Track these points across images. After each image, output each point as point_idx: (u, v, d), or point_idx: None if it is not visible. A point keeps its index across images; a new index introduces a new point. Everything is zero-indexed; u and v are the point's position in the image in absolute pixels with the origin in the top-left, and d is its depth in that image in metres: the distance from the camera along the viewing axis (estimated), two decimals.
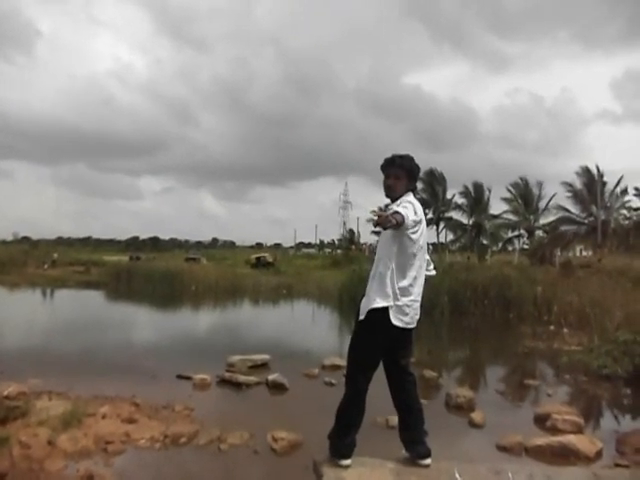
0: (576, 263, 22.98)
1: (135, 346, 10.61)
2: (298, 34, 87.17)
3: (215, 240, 61.37)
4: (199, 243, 56.79)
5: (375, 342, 2.87)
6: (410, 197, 2.89)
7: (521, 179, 32.39)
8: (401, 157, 3.00)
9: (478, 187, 34.87)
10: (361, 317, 2.87)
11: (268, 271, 28.42)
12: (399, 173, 2.96)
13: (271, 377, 7.20)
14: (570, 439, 4.89)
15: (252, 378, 7.32)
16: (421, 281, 2.95)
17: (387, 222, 2.54)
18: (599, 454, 4.74)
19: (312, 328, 14.68)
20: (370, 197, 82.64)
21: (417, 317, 2.95)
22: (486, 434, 5.39)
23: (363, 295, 2.97)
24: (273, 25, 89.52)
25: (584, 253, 30.85)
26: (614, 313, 12.56)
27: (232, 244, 58.50)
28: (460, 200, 35.84)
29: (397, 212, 2.61)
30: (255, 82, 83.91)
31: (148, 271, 25.41)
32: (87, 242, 65.77)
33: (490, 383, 8.22)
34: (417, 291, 2.91)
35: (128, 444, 4.77)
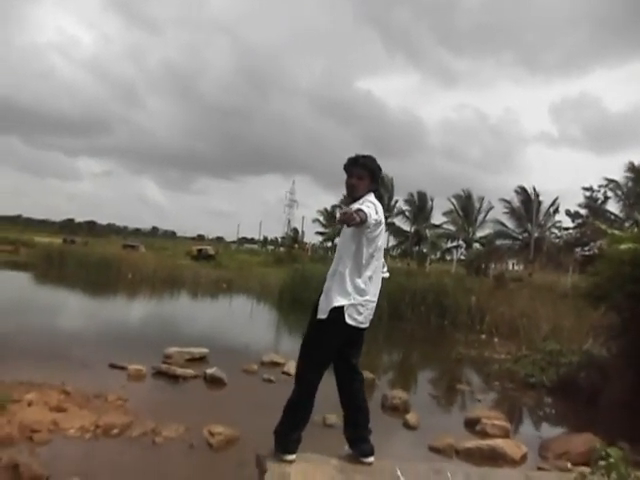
0: (509, 276, 23.99)
1: (65, 332, 10.14)
2: (253, 28, 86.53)
3: (155, 229, 59.77)
4: (138, 230, 55.05)
5: (332, 341, 2.89)
6: (372, 197, 2.93)
7: (463, 191, 33.55)
8: (364, 157, 3.03)
9: (422, 196, 35.81)
10: (322, 316, 2.85)
11: (209, 264, 27.91)
12: (362, 173, 2.99)
13: (209, 371, 7.08)
14: (498, 443, 5.11)
15: (190, 371, 7.17)
16: (377, 282, 2.99)
17: (351, 219, 2.56)
18: (524, 458, 4.99)
19: (252, 324, 14.56)
20: (316, 197, 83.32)
21: (371, 317, 2.98)
22: (420, 435, 5.54)
23: (320, 293, 2.96)
24: (228, 15, 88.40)
25: (516, 267, 32.22)
26: (541, 325, 13.26)
27: (173, 234, 57.14)
28: (404, 207, 36.68)
29: (360, 210, 2.64)
30: (206, 71, 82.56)
31: (82, 255, 24.38)
32: (16, 221, 62.33)
33: (424, 386, 8.46)
34: (373, 291, 2.95)
35: (56, 433, 4.57)
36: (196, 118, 74.37)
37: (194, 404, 6.03)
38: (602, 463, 2.36)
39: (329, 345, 2.90)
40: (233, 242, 50.66)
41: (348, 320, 2.82)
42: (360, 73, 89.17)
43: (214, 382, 6.93)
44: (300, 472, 2.54)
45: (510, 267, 28.90)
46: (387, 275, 3.30)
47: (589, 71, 76.09)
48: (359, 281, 2.85)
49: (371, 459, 2.91)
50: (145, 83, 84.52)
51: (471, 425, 5.95)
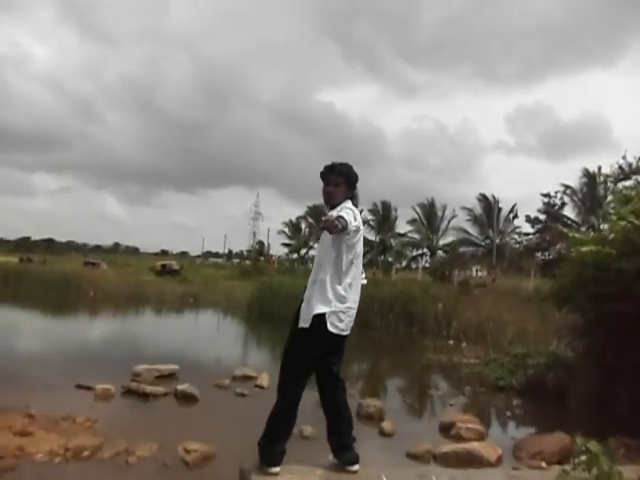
0: (473, 282, 24.45)
1: (26, 354, 9.78)
2: (214, 41, 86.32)
3: (117, 245, 58.27)
4: (99, 247, 53.60)
5: (314, 349, 2.87)
6: (349, 204, 2.94)
7: (427, 200, 34.15)
8: (340, 164, 3.04)
9: (386, 206, 36.23)
10: (305, 325, 2.83)
11: (174, 279, 27.43)
12: (338, 180, 2.99)
13: (180, 387, 6.93)
14: (474, 446, 5.16)
15: (160, 389, 7.00)
16: (357, 289, 2.99)
17: (333, 226, 2.56)
18: (500, 459, 5.05)
19: (221, 339, 14.34)
20: (280, 209, 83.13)
21: (351, 324, 2.98)
22: (396, 442, 5.55)
23: (301, 302, 2.95)
24: (188, 29, 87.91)
25: (479, 273, 32.87)
26: (507, 329, 13.53)
27: (135, 250, 55.82)
28: (369, 217, 37.02)
29: (341, 217, 2.65)
30: (166, 85, 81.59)
31: (41, 274, 23.61)
32: None
33: (397, 394, 8.50)
34: (353, 298, 2.95)
35: (23, 459, 4.37)
36: (157, 132, 73.46)
37: (166, 422, 5.88)
38: (582, 458, 2.41)
39: (311, 353, 2.88)
40: (198, 256, 50.02)
41: (330, 328, 2.81)
42: (321, 85, 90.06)
43: (186, 398, 6.78)
44: None
45: (474, 273, 29.48)
46: (365, 282, 3.31)
47: (542, 81, 79.17)
48: (339, 288, 2.85)
49: (356, 467, 2.89)
50: (103, 97, 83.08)
51: (446, 430, 6.00)
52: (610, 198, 6.99)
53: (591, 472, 2.36)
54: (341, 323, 2.86)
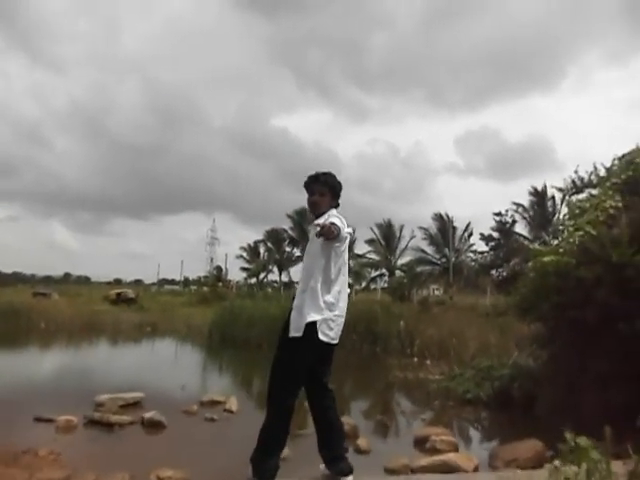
0: (432, 301, 24.83)
1: None
2: (164, 66, 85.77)
3: (67, 275, 56.04)
4: (48, 278, 51.42)
5: (306, 359, 2.83)
6: (335, 212, 2.95)
7: (384, 220, 34.64)
8: (324, 174, 3.05)
9: None
10: (297, 334, 2.78)
11: (130, 308, 26.59)
12: (323, 190, 3.00)
13: (147, 415, 6.69)
14: (450, 457, 5.19)
15: (125, 417, 6.74)
16: (345, 296, 2.99)
17: (330, 233, 2.57)
18: (476, 469, 5.09)
19: (183, 366, 13.93)
20: (237, 234, 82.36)
21: (340, 333, 2.96)
22: (373, 459, 5.51)
23: (290, 311, 2.91)
24: (139, 55, 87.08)
25: (436, 292, 33.43)
26: (469, 344, 13.78)
27: (87, 279, 53.83)
28: None
29: (333, 223, 2.66)
30: (117, 110, 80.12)
31: None
32: None
33: (368, 411, 8.48)
34: (342, 306, 2.94)
35: None
36: (108, 158, 71.78)
37: (135, 451, 5.66)
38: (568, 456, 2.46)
39: (303, 363, 2.84)
40: (153, 284, 48.78)
41: (321, 336, 2.78)
42: (275, 111, 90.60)
43: (153, 426, 6.54)
44: None
45: (431, 292, 29.94)
46: (348, 291, 3.31)
47: (488, 105, 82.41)
48: (329, 296, 2.84)
49: (350, 478, 2.86)
50: (51, 123, 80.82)
51: (420, 443, 6.02)
52: (565, 210, 7.30)
53: (581, 467, 2.42)
54: (331, 331, 2.85)
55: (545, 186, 26.31)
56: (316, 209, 3.00)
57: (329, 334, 2.83)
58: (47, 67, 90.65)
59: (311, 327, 2.76)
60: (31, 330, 20.29)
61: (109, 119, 78.91)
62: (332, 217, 2.82)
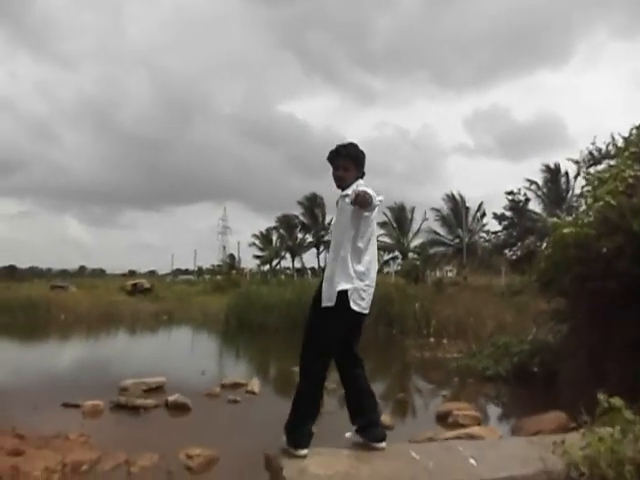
0: (446, 282, 24.78)
1: (4, 380, 9.39)
2: (171, 57, 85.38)
3: (83, 268, 56.50)
4: (64, 272, 51.84)
5: (339, 328, 2.84)
6: (362, 182, 2.93)
7: (395, 203, 34.48)
8: (345, 146, 3.02)
9: None
10: (329, 303, 2.77)
11: (146, 297, 26.86)
12: (346, 163, 2.97)
13: (171, 398, 6.79)
14: (475, 430, 5.21)
15: (150, 401, 6.85)
16: (375, 266, 2.98)
17: (365, 201, 2.55)
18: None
19: (202, 351, 14.06)
20: (248, 222, 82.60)
21: (370, 303, 2.96)
22: (397, 434, 5.51)
23: (321, 281, 2.91)
24: (145, 46, 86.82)
25: (450, 273, 33.34)
26: (486, 322, 13.77)
27: (102, 272, 54.24)
28: None
29: (366, 192, 2.64)
30: (125, 102, 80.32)
31: (6, 300, 22.75)
32: None
33: (389, 390, 8.50)
34: (372, 276, 2.93)
35: (19, 478, 4.19)
36: (118, 151, 72.06)
37: (162, 432, 5.76)
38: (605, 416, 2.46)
39: (336, 332, 2.85)
40: (167, 274, 49.15)
41: (352, 305, 2.78)
42: (281, 96, 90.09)
43: (178, 408, 6.64)
44: (318, 464, 2.46)
45: (445, 274, 29.88)
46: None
47: (497, 84, 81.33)
48: (359, 266, 2.83)
49: (384, 444, 2.87)
50: (60, 119, 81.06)
51: (443, 419, 6.05)
52: (582, 183, 7.22)
53: (615, 427, 2.42)
54: (362, 301, 2.85)
55: (558, 163, 26.03)
56: (342, 183, 2.97)
57: (360, 304, 2.84)
58: (54, 63, 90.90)
59: (343, 296, 2.76)
60: (51, 322, 20.58)
61: (117, 112, 79.14)
62: (361, 187, 2.80)
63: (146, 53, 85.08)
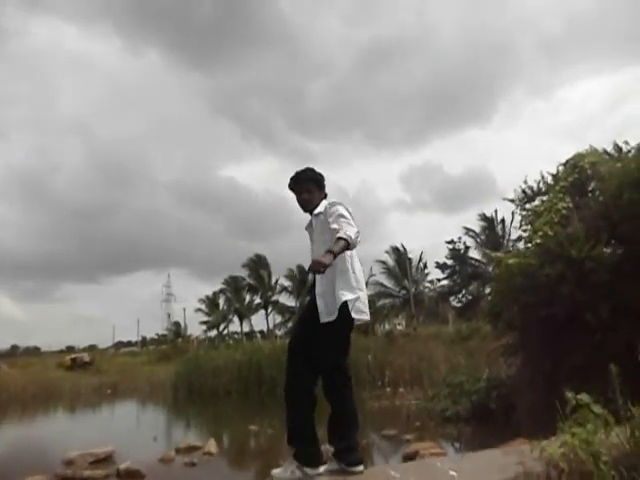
0: (397, 333, 24.92)
1: None
2: (106, 125, 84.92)
3: (15, 347, 52.91)
4: None
5: (343, 340, 2.83)
6: (332, 203, 2.93)
7: None
8: (304, 171, 3.10)
9: (302, 269, 36.39)
10: (330, 318, 2.72)
11: (86, 372, 25.40)
12: (309, 186, 3.05)
13: (123, 466, 6.33)
14: None
15: (99, 472, 6.35)
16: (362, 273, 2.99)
17: (321, 266, 2.50)
18: None
19: (151, 422, 13.27)
20: (193, 289, 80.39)
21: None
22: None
23: (311, 300, 2.86)
24: (78, 114, 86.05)
25: (399, 325, 33.59)
26: (440, 367, 13.87)
27: (37, 350, 51.02)
28: (286, 283, 36.96)
29: (340, 238, 2.62)
30: (58, 171, 78.44)
31: None
32: None
33: None
34: (363, 283, 2.95)
35: None
36: (51, 222, 69.61)
37: None
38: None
39: (341, 345, 2.83)
40: (109, 348, 46.82)
41: (354, 315, 2.75)
42: (222, 162, 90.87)
43: (130, 477, 6.19)
44: None
45: (395, 324, 30.06)
46: None
47: (428, 141, 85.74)
48: (357, 275, 2.86)
49: (361, 467, 2.78)
50: None
51: (411, 459, 5.91)
52: (518, 226, 7.64)
53: (587, 424, 2.45)
54: (365, 308, 2.84)
55: (494, 211, 27.37)
56: (309, 205, 3.05)
57: (365, 311, 2.83)
58: None
59: (344, 308, 2.73)
60: None
61: (50, 182, 77.11)
62: (336, 216, 2.80)
63: (80, 121, 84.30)
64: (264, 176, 78.82)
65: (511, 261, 6.34)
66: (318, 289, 2.84)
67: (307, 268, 2.73)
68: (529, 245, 6.85)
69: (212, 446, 7.43)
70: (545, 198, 7.50)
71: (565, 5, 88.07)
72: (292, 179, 3.11)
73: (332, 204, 2.92)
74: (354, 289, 2.80)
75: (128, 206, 71.14)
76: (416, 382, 13.56)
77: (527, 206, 7.67)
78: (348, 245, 2.64)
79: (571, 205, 6.49)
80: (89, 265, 69.43)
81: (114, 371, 26.03)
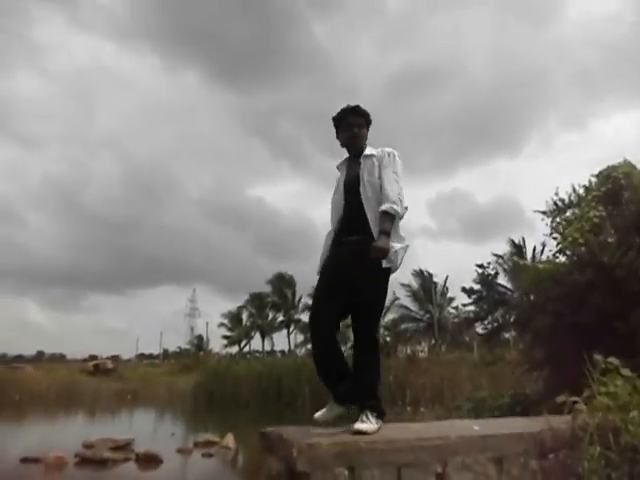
0: (419, 356, 24.57)
1: None
2: (140, 140, 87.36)
3: (41, 353, 53.94)
4: (20, 357, 49.40)
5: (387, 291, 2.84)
6: (389, 152, 2.88)
7: None
8: (358, 105, 2.95)
9: None
10: (390, 264, 2.68)
11: (108, 378, 25.67)
12: (361, 121, 2.92)
13: (142, 450, 6.39)
14: None
15: (119, 455, 6.42)
16: None
17: (384, 252, 2.57)
18: None
19: (171, 421, 13.34)
20: (215, 304, 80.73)
21: None
22: None
23: (352, 246, 2.75)
24: (112, 129, 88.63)
25: (421, 350, 33.06)
26: (462, 386, 13.61)
27: (61, 357, 51.84)
28: (310, 302, 36.86)
29: (386, 213, 2.64)
30: (91, 185, 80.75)
31: None
32: None
33: None
34: None
35: None
36: (82, 232, 71.21)
37: None
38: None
39: (386, 295, 2.85)
40: (131, 359, 47.21)
41: (398, 264, 2.74)
42: (250, 181, 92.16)
43: (149, 461, 6.25)
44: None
45: (418, 348, 29.61)
46: None
47: (457, 169, 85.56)
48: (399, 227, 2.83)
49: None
50: (25, 200, 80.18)
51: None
52: (549, 231, 7.53)
53: (614, 385, 2.43)
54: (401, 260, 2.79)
55: (522, 239, 26.96)
56: (357, 142, 2.92)
57: (399, 262, 2.78)
58: (21, 146, 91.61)
59: (394, 256, 2.71)
60: (3, 402, 19.28)
61: (83, 194, 79.02)
62: (394, 159, 2.82)
63: (112, 136, 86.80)
64: (291, 196, 79.60)
65: (541, 266, 6.27)
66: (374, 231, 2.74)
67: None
68: (557, 255, 6.76)
69: (230, 441, 7.44)
70: (576, 211, 7.41)
71: (602, 34, 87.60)
72: (346, 110, 2.92)
73: (389, 153, 2.86)
74: (402, 239, 2.81)
75: (156, 221, 72.43)
76: (437, 401, 13.32)
77: (557, 219, 7.58)
78: (399, 213, 2.70)
79: (604, 214, 6.41)
80: (116, 277, 70.72)
81: (135, 379, 26.23)
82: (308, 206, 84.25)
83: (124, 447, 7.18)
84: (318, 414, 2.72)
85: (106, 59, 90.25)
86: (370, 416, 2.55)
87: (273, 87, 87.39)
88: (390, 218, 2.66)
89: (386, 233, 2.61)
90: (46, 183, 78.91)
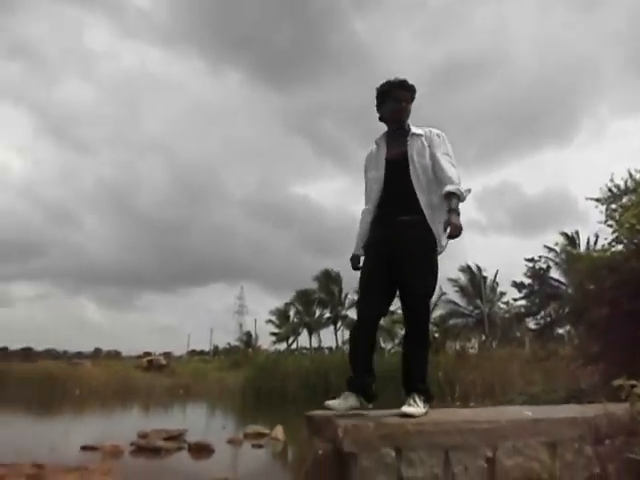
0: (469, 352, 24.13)
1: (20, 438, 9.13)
2: (185, 143, 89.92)
3: (98, 350, 55.95)
4: (80, 354, 51.45)
5: None
6: (438, 133, 2.88)
7: None
8: (405, 80, 2.89)
9: None
10: (441, 249, 2.78)
11: (162, 373, 26.46)
12: (408, 97, 2.88)
13: (194, 440, 6.56)
14: None
15: (172, 444, 6.61)
16: None
17: (460, 230, 2.60)
18: None
19: (222, 414, 13.64)
20: (262, 302, 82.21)
21: None
22: None
23: (409, 219, 2.75)
24: (160, 133, 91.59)
25: (470, 345, 32.43)
26: (514, 381, 13.27)
27: (117, 354, 53.78)
28: (356, 298, 36.79)
29: (452, 194, 2.66)
30: (141, 187, 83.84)
31: (23, 373, 22.56)
32: None
33: None
34: None
35: None
36: (134, 234, 73.90)
37: (187, 468, 5.51)
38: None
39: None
40: (182, 356, 48.48)
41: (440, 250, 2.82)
42: (294, 179, 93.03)
43: (201, 450, 6.38)
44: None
45: (467, 344, 29.06)
46: None
47: (504, 161, 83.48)
48: None
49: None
50: (80, 203, 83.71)
51: None
52: (603, 219, 7.21)
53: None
54: None
55: (576, 232, 26.06)
56: (403, 116, 2.89)
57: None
58: (75, 150, 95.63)
59: (445, 242, 2.78)
60: (65, 396, 20.18)
61: (134, 196, 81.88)
62: (443, 156, 2.80)
63: (160, 139, 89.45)
64: (335, 193, 79.70)
65: (596, 255, 6.04)
66: (426, 211, 2.74)
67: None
68: (613, 242, 6.48)
69: (279, 432, 7.52)
70: (633, 197, 7.09)
71: None
72: (397, 82, 2.86)
73: (439, 134, 2.86)
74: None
75: (204, 221, 74.15)
76: (488, 396, 13.04)
77: (613, 206, 7.26)
78: (459, 198, 2.70)
79: None
80: (167, 276, 72.82)
81: (187, 375, 26.93)
82: (351, 203, 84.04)
83: (177, 437, 7.36)
84: (332, 402, 2.72)
85: (152, 64, 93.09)
86: (418, 399, 2.54)
87: (314, 86, 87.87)
88: (457, 198, 2.65)
89: (455, 212, 2.61)
90: (99, 186, 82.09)
